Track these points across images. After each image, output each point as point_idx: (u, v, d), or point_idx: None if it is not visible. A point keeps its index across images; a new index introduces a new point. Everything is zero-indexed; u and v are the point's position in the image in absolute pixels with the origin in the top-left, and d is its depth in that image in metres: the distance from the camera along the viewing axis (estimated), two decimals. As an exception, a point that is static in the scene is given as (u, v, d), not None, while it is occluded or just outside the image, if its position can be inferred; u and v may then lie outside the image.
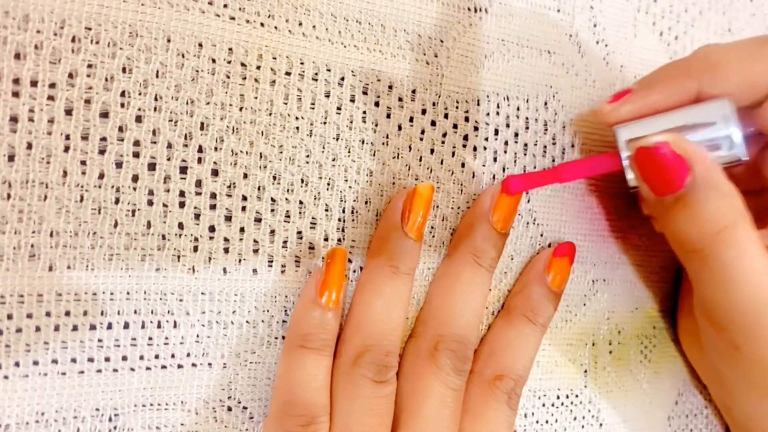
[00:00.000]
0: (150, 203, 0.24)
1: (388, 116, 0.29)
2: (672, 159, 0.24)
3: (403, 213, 0.27)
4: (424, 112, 0.29)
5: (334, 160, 0.28)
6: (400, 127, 0.29)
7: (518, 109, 0.32)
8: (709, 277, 0.25)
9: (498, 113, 0.31)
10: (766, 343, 0.26)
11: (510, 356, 0.29)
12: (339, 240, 0.28)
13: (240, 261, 0.26)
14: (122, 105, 0.24)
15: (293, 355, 0.26)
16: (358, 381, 0.25)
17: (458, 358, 0.27)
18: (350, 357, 0.26)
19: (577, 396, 0.34)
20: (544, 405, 0.33)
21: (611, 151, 0.28)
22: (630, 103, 0.27)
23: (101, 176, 0.24)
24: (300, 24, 0.26)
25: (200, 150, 0.25)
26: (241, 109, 0.26)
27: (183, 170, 0.25)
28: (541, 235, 0.32)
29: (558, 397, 0.34)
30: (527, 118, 0.32)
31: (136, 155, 0.24)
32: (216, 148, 0.25)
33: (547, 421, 0.33)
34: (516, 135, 0.32)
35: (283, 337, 0.27)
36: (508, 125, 0.31)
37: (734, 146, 0.26)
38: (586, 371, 0.35)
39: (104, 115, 0.24)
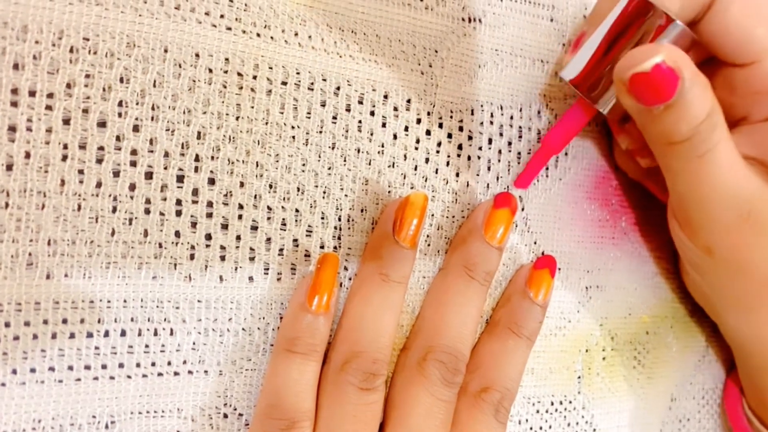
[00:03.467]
0: (147, 212, 0.25)
1: (384, 125, 0.29)
2: (666, 73, 0.23)
3: (395, 222, 0.27)
4: (419, 121, 0.30)
5: (329, 168, 0.28)
6: (395, 137, 0.29)
7: (512, 118, 0.32)
8: (687, 164, 0.26)
9: (492, 122, 0.31)
10: (734, 240, 0.27)
11: (495, 369, 0.29)
12: (335, 248, 0.28)
13: (236, 269, 0.26)
14: (120, 114, 0.24)
15: (279, 358, 0.26)
16: (344, 387, 0.25)
17: (448, 369, 0.27)
18: (338, 363, 0.26)
19: (570, 402, 0.35)
20: (538, 411, 0.34)
21: (576, 102, 0.29)
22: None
23: (99, 185, 0.24)
24: (296, 34, 0.27)
25: (197, 159, 0.25)
26: (237, 118, 0.26)
27: (180, 179, 0.25)
28: (535, 243, 0.33)
29: (552, 404, 0.34)
30: (520, 127, 0.32)
31: (134, 164, 0.24)
32: (213, 157, 0.26)
33: (541, 428, 0.34)
34: (509, 144, 0.32)
35: (279, 345, 0.27)
36: (501, 134, 0.32)
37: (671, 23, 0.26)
38: (579, 377, 0.35)
39: (102, 124, 0.24)
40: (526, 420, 0.33)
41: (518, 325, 0.29)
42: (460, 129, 0.31)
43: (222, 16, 0.25)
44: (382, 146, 0.29)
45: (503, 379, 0.29)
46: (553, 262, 0.31)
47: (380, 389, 0.26)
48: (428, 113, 0.30)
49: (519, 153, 0.32)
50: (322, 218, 0.28)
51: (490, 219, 0.29)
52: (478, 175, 0.31)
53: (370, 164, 0.29)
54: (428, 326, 0.28)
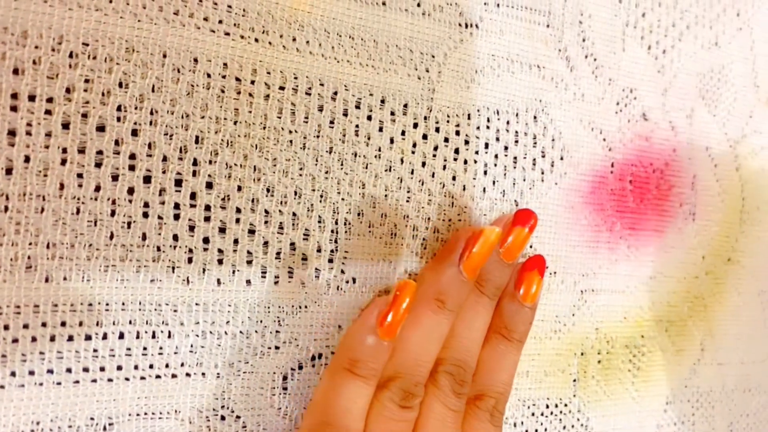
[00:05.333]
0: (145, 215, 0.25)
1: (381, 130, 0.29)
2: None
3: (463, 250, 0.28)
4: (415, 126, 0.30)
5: (327, 172, 0.28)
6: (392, 141, 0.29)
7: (508, 123, 0.32)
8: None
9: (488, 127, 0.32)
10: None
11: (488, 375, 0.29)
12: (332, 251, 0.28)
13: (234, 272, 0.26)
14: (118, 119, 0.24)
15: (339, 376, 0.26)
16: (386, 403, 0.26)
17: (456, 380, 0.28)
18: (382, 380, 0.26)
19: (566, 405, 0.35)
20: (533, 414, 0.34)
21: None
22: None
23: (97, 189, 0.24)
24: (294, 39, 0.27)
25: (195, 163, 0.26)
26: (235, 122, 0.26)
27: (178, 183, 0.25)
28: (531, 246, 0.33)
29: (547, 407, 0.34)
30: (517, 132, 0.33)
31: (132, 168, 0.25)
32: (210, 161, 0.26)
33: (536, 430, 0.34)
34: (506, 148, 0.32)
35: (277, 348, 0.27)
36: (498, 139, 0.32)
37: None
38: (575, 380, 0.35)
39: (101, 128, 0.24)
40: (522, 423, 0.33)
41: (508, 329, 0.30)
42: (457, 133, 0.31)
43: (220, 22, 0.26)
44: (379, 150, 0.29)
45: (496, 384, 0.29)
46: (542, 263, 0.31)
47: (416, 409, 0.27)
48: (425, 118, 0.30)
49: (515, 157, 0.32)
50: (319, 222, 0.28)
51: (507, 235, 0.29)
52: (474, 179, 0.31)
53: (366, 168, 0.29)
54: None
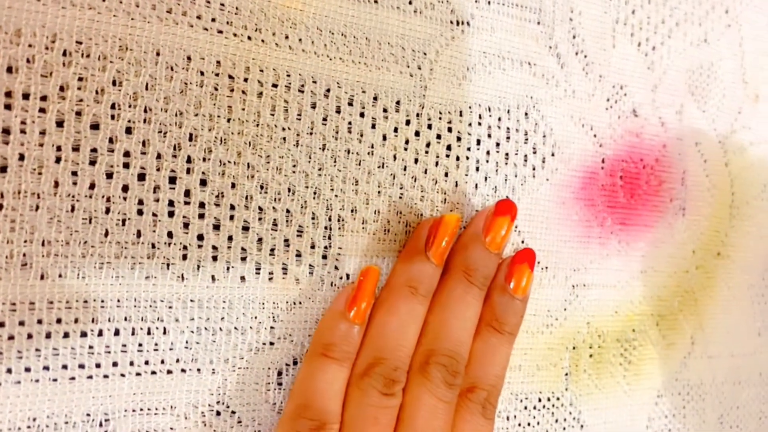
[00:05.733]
0: (140, 213, 0.25)
1: (373, 127, 0.29)
2: None
3: (428, 239, 0.29)
4: (408, 122, 0.30)
5: (320, 169, 0.28)
6: (384, 137, 0.30)
7: (499, 119, 0.33)
8: None
9: (480, 124, 0.32)
10: None
11: (480, 368, 0.30)
12: (325, 248, 0.29)
13: (228, 269, 0.27)
14: (112, 117, 0.24)
15: (315, 362, 0.27)
16: (367, 390, 0.27)
17: (448, 371, 0.28)
18: (361, 367, 0.27)
19: (558, 399, 0.35)
20: (525, 408, 0.34)
21: None
22: None
23: (92, 186, 0.24)
24: (286, 37, 0.27)
25: (189, 160, 0.26)
26: (228, 120, 0.26)
27: (172, 180, 0.25)
28: (522, 242, 0.33)
29: (540, 400, 0.35)
30: (508, 129, 0.33)
31: (126, 166, 0.25)
32: (204, 159, 0.26)
33: (529, 424, 0.34)
34: (497, 145, 0.33)
35: (272, 343, 0.28)
36: (489, 135, 0.32)
37: None
38: (567, 374, 0.36)
39: (95, 126, 0.24)
40: (515, 416, 0.34)
41: (500, 321, 0.30)
42: (449, 130, 0.31)
43: (213, 20, 0.26)
44: (372, 147, 0.29)
45: (488, 377, 0.29)
46: (532, 256, 0.31)
47: (399, 395, 0.27)
48: (417, 115, 0.30)
49: (507, 154, 0.33)
50: (313, 218, 0.28)
51: (490, 226, 0.30)
52: (467, 175, 0.32)
53: (359, 165, 0.29)
54: (429, 330, 0.29)
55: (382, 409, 0.27)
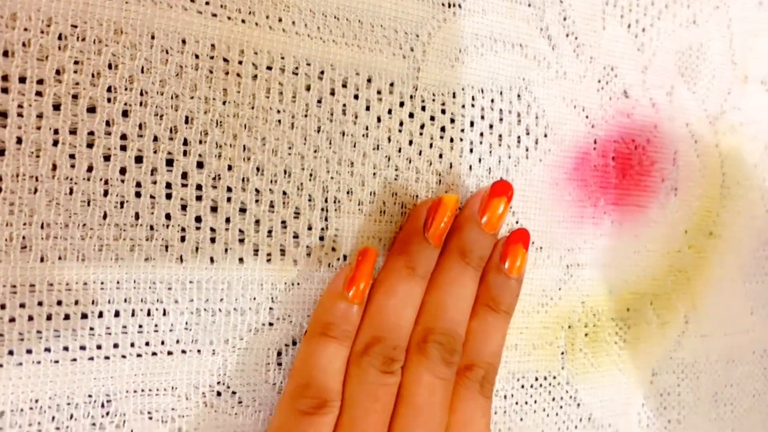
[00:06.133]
0: (138, 195, 0.25)
1: (368, 109, 0.30)
2: None
3: (426, 219, 0.29)
4: (402, 104, 0.30)
5: (315, 151, 0.28)
6: (379, 119, 0.30)
7: (492, 101, 0.33)
8: None
9: (473, 105, 0.32)
10: None
11: (476, 346, 0.30)
12: (323, 229, 0.29)
13: (226, 250, 0.27)
14: (109, 100, 0.25)
15: (314, 341, 0.27)
16: (366, 368, 0.27)
17: (446, 349, 0.28)
18: (361, 347, 0.27)
19: (555, 377, 0.36)
20: (522, 387, 0.35)
21: None
22: None
23: (90, 169, 0.24)
24: (280, 20, 0.27)
25: (185, 143, 0.26)
26: (224, 102, 0.26)
27: (169, 163, 0.26)
28: (517, 222, 0.34)
29: (536, 379, 0.35)
30: (501, 110, 0.33)
31: (124, 148, 0.25)
32: (201, 141, 0.26)
33: (526, 402, 0.35)
34: (491, 126, 0.33)
35: (271, 324, 0.28)
36: (483, 117, 0.33)
37: None
38: (563, 353, 0.36)
39: (91, 110, 0.24)
40: (512, 395, 0.34)
41: (496, 301, 0.30)
42: (443, 112, 0.31)
43: (207, 3, 0.26)
44: (367, 129, 0.30)
45: (485, 354, 0.30)
46: (526, 236, 0.31)
47: (398, 373, 0.28)
48: (411, 96, 0.30)
49: (500, 135, 0.33)
50: (309, 200, 0.28)
51: (486, 207, 0.30)
52: (461, 156, 0.32)
53: (355, 147, 0.29)
54: (427, 309, 0.29)
55: (381, 386, 0.27)
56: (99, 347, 0.25)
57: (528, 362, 0.35)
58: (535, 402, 0.35)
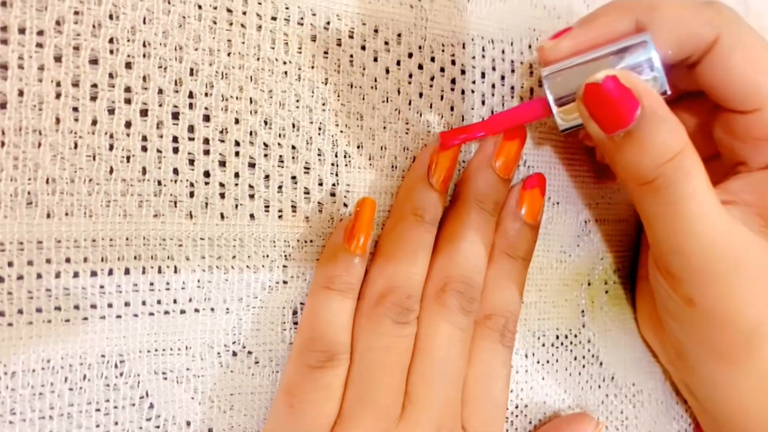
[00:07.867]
0: (144, 149, 0.25)
1: (375, 60, 0.29)
2: (621, 93, 0.23)
3: (429, 166, 0.28)
4: (410, 55, 0.30)
5: (323, 104, 0.28)
6: (387, 71, 0.29)
7: (503, 52, 0.32)
8: (661, 209, 0.25)
9: (484, 56, 0.31)
10: (719, 291, 0.26)
11: (495, 294, 0.29)
12: (333, 184, 0.28)
13: (237, 206, 0.26)
14: (111, 52, 0.24)
15: (319, 295, 0.26)
16: (380, 320, 0.26)
17: (465, 298, 0.27)
18: (373, 298, 0.27)
19: (576, 336, 0.35)
20: (543, 345, 0.34)
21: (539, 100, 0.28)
22: (570, 39, 0.27)
23: (94, 123, 0.24)
24: (283, -31, 0.27)
25: (191, 95, 0.25)
26: (229, 54, 0.26)
27: (175, 116, 0.25)
28: (533, 176, 0.33)
29: (557, 337, 0.34)
30: (512, 61, 0.32)
31: (128, 101, 0.24)
32: (206, 94, 0.25)
33: (548, 361, 0.34)
34: (503, 78, 0.32)
35: (285, 282, 0.27)
36: (494, 68, 0.32)
37: (657, 79, 0.25)
38: (583, 311, 0.35)
39: (94, 62, 0.24)
40: (533, 354, 0.33)
41: (513, 247, 0.29)
42: (453, 63, 0.31)
43: (208, -49, 0.25)
44: (375, 81, 0.29)
45: (505, 303, 0.29)
46: (542, 180, 0.30)
47: (413, 324, 0.27)
48: (419, 47, 0.30)
49: (512, 87, 0.32)
50: (319, 155, 0.28)
51: (500, 150, 0.29)
52: (472, 109, 0.31)
53: (363, 99, 0.29)
54: (442, 257, 0.28)
55: (397, 338, 0.26)
56: (110, 305, 0.24)
57: (548, 320, 0.34)
58: (557, 361, 0.34)
